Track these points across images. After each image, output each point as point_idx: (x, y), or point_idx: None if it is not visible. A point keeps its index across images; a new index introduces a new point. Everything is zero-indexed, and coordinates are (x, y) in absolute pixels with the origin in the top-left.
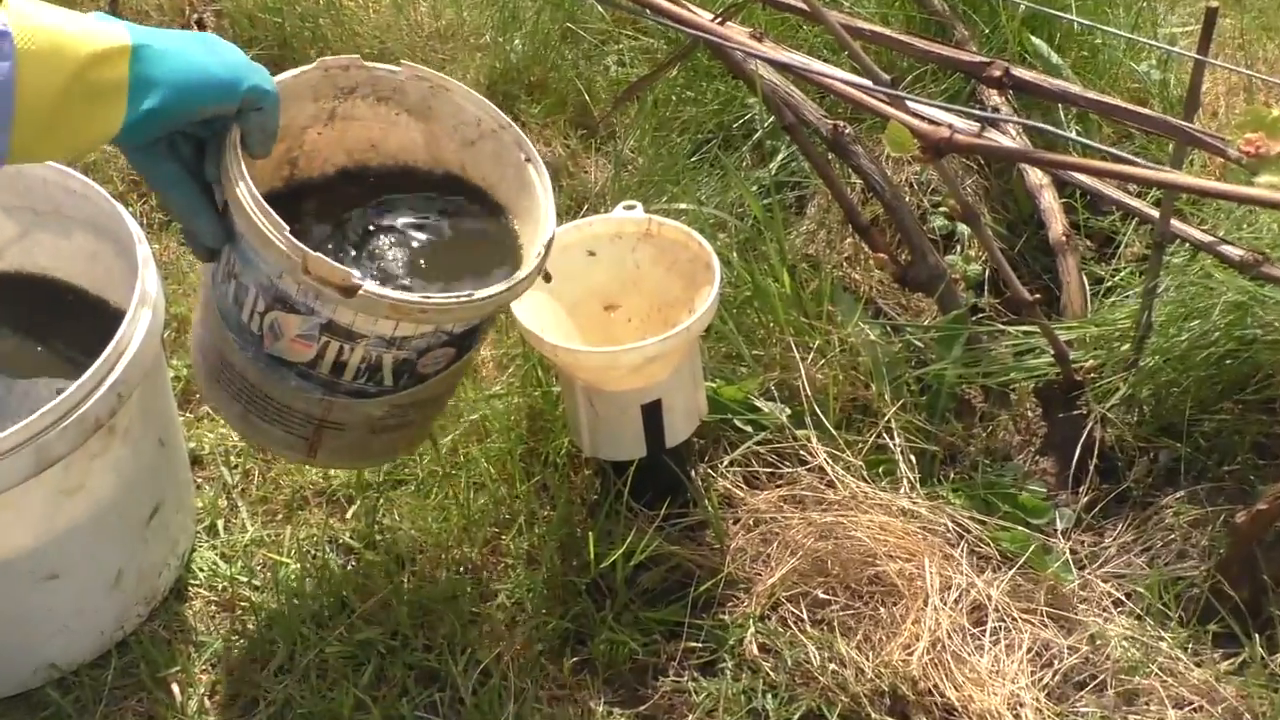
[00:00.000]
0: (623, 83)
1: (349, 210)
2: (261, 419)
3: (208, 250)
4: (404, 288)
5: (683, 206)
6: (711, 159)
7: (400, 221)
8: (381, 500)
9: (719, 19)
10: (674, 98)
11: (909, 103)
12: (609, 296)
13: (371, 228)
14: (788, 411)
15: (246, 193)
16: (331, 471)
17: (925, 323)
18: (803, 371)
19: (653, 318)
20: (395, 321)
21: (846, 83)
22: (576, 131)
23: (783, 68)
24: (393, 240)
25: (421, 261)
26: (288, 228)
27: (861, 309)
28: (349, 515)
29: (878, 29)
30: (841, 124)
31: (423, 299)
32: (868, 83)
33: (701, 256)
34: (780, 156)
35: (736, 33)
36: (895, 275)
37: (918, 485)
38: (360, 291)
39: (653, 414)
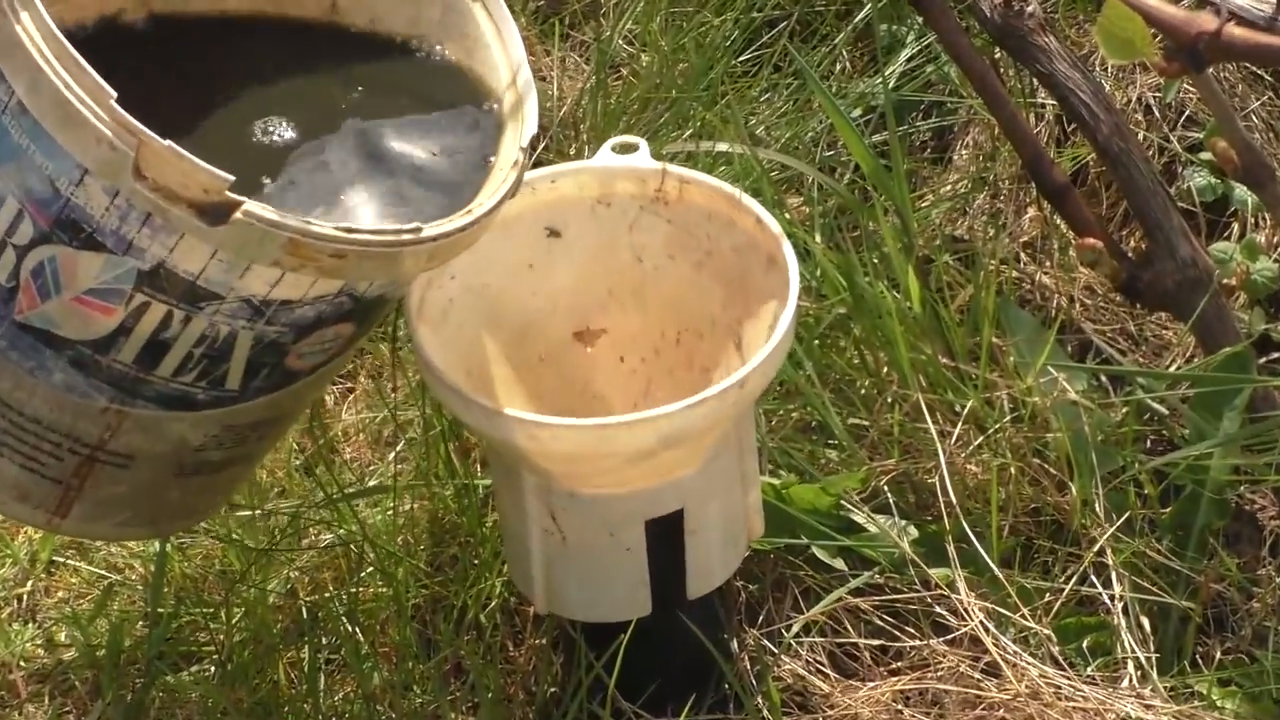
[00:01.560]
0: None
1: (143, 67)
2: None
3: None
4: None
5: (722, 148)
6: (777, 58)
7: (253, 78)
8: (154, 693)
9: None
10: None
11: None
12: (584, 313)
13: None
14: (914, 533)
15: (33, 24)
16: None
17: (1172, 368)
18: (942, 459)
19: (666, 354)
20: (281, 271)
21: None
22: (526, 3)
23: None
24: (242, 120)
25: (304, 156)
26: (113, 93)
27: (1053, 342)
28: None
29: None
30: None
31: (352, 229)
32: None
33: (761, 242)
34: (905, 54)
35: None
36: (1117, 279)
37: (1153, 673)
38: (239, 213)
39: (666, 538)
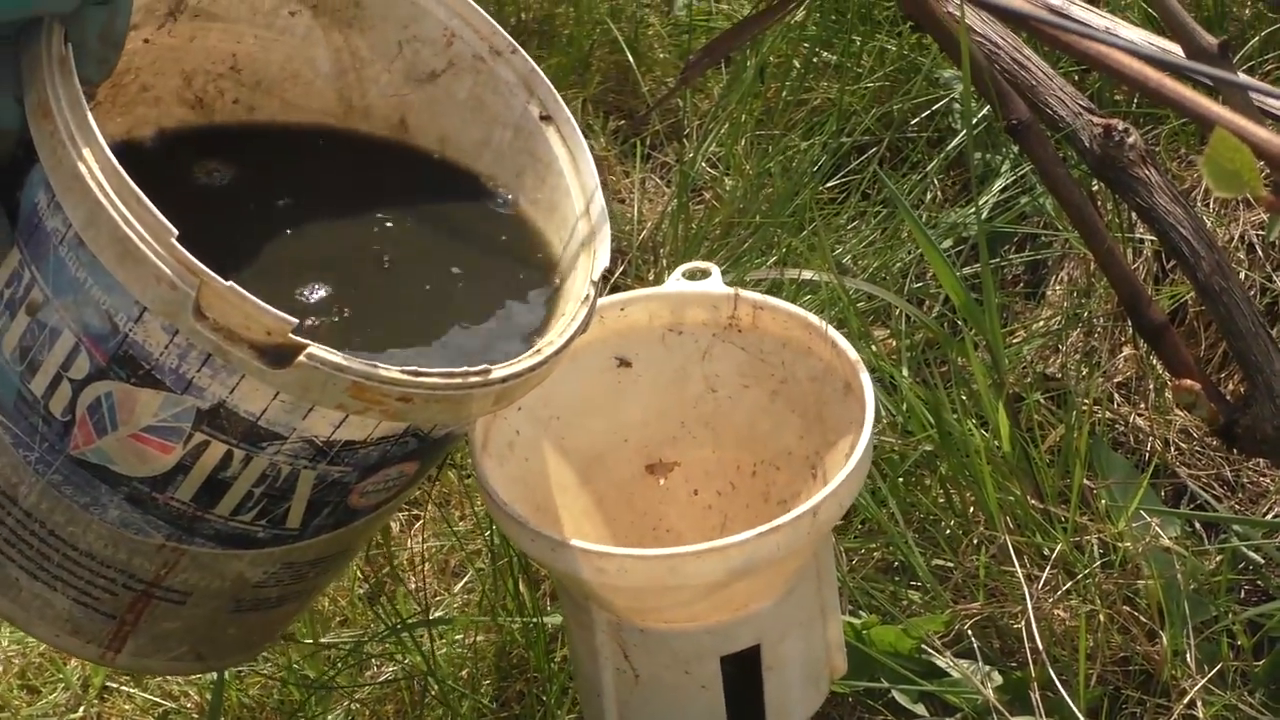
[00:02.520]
0: (700, 33)
1: (205, 182)
2: (33, 575)
3: None
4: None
5: (808, 275)
6: (866, 185)
7: (314, 212)
8: None
9: None
10: (797, 65)
11: (1252, 92)
12: (656, 445)
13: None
14: (998, 679)
15: (94, 158)
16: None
17: (1270, 516)
18: (1029, 604)
19: (742, 487)
20: (345, 414)
21: (1129, 51)
22: (607, 122)
23: (1011, 15)
24: (304, 248)
25: (367, 296)
26: (174, 230)
27: (1147, 487)
28: None
29: None
30: (1119, 125)
31: (418, 373)
32: (1174, 49)
33: (838, 369)
34: (999, 184)
35: None
36: (1214, 423)
37: None
38: (303, 356)
39: (743, 675)
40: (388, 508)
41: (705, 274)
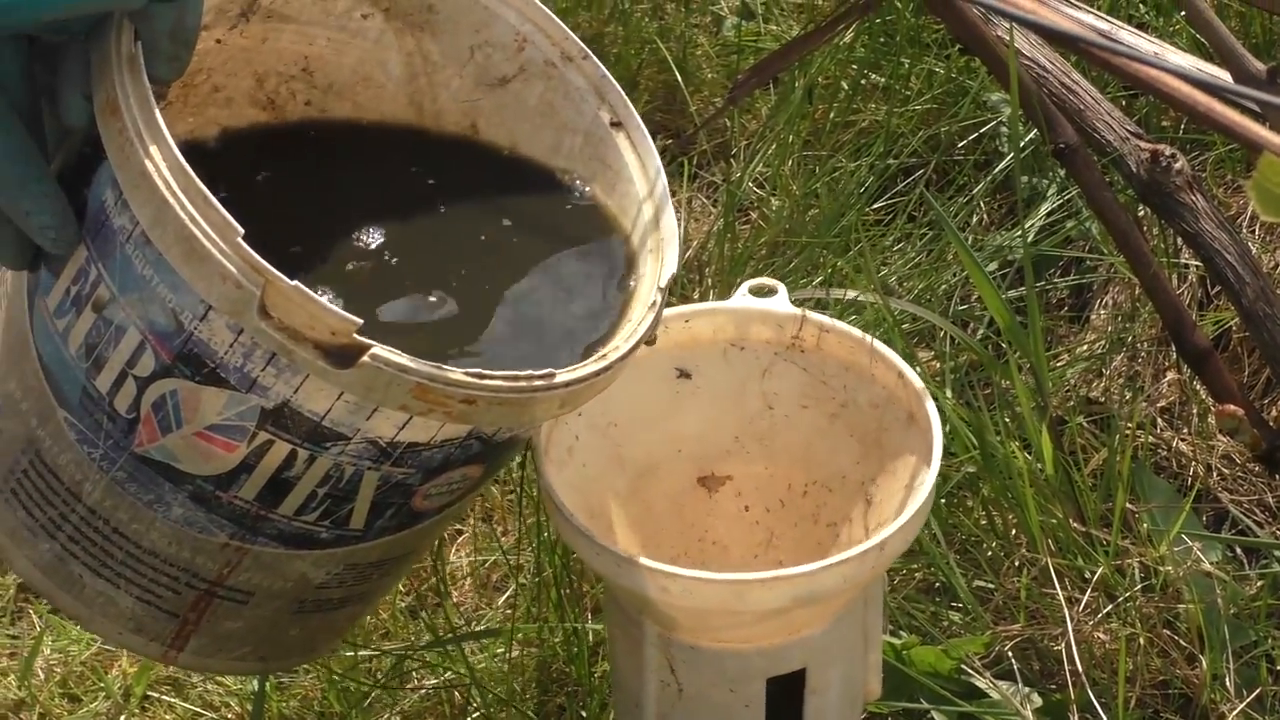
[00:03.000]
0: (748, 53)
1: (274, 181)
2: (96, 572)
3: (30, 251)
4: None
5: (853, 295)
6: (912, 207)
7: (385, 210)
8: None
9: None
10: (845, 87)
11: None
12: (709, 459)
13: (325, 223)
14: (1037, 701)
15: (161, 156)
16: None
17: None
18: (1069, 626)
19: (792, 506)
20: (409, 415)
21: (1178, 74)
22: (658, 141)
23: (1061, 38)
24: (375, 248)
25: (438, 294)
26: (240, 229)
27: (1189, 511)
28: None
29: None
30: (1167, 150)
31: (482, 375)
32: (1223, 75)
33: (902, 398)
34: (1046, 208)
35: None
36: (1257, 448)
37: None
38: (367, 356)
39: (786, 697)
40: (451, 511)
41: (772, 291)
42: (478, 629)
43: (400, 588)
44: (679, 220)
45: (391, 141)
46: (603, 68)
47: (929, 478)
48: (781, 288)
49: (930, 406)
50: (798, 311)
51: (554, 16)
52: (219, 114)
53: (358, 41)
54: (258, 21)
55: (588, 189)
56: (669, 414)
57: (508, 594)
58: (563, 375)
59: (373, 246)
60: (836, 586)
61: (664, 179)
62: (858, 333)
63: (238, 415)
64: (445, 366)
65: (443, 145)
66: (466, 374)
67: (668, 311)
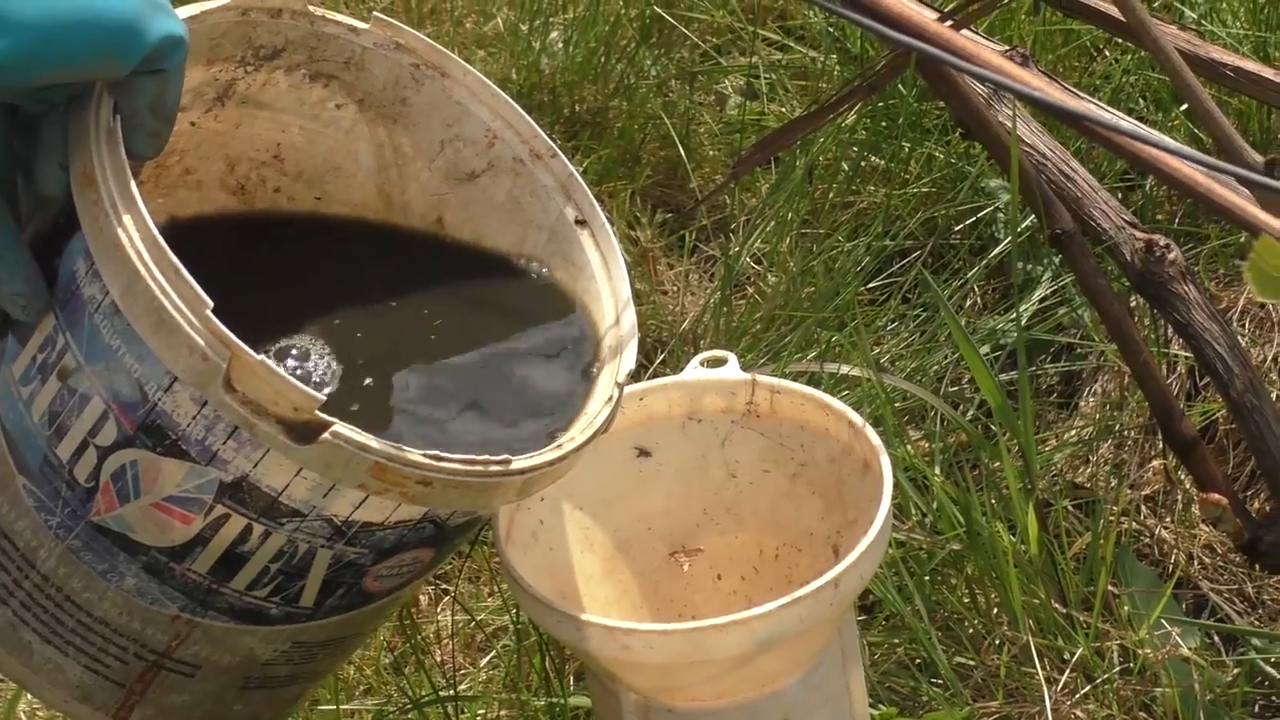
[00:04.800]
0: (750, 130)
1: (240, 267)
2: (46, 639)
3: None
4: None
5: (848, 370)
6: (908, 288)
7: (349, 296)
8: None
9: (948, 19)
10: (845, 167)
11: None
12: (679, 533)
13: (292, 306)
14: None
15: (135, 227)
16: None
17: None
18: (1047, 705)
19: (765, 571)
20: (366, 494)
21: (1179, 155)
22: (655, 214)
23: (1064, 120)
24: (334, 330)
25: (407, 381)
26: (209, 302)
27: (1169, 597)
28: None
29: (1250, 65)
30: (1162, 241)
31: (440, 458)
32: (1224, 166)
33: (856, 449)
34: (1039, 294)
35: (979, 47)
36: (1239, 539)
37: None
38: (328, 434)
39: None
40: (401, 593)
41: (722, 361)
42: (460, 690)
43: (383, 643)
44: (675, 293)
45: (357, 231)
46: (570, 166)
47: (881, 514)
48: (732, 357)
49: (883, 453)
50: (747, 376)
51: (524, 114)
52: (189, 196)
53: (330, 131)
54: (233, 106)
55: (552, 275)
56: (634, 493)
57: (491, 655)
58: (519, 462)
59: (333, 326)
60: (796, 628)
61: (627, 280)
62: (808, 390)
63: (196, 488)
64: (404, 447)
65: (410, 237)
66: (425, 456)
67: (629, 389)
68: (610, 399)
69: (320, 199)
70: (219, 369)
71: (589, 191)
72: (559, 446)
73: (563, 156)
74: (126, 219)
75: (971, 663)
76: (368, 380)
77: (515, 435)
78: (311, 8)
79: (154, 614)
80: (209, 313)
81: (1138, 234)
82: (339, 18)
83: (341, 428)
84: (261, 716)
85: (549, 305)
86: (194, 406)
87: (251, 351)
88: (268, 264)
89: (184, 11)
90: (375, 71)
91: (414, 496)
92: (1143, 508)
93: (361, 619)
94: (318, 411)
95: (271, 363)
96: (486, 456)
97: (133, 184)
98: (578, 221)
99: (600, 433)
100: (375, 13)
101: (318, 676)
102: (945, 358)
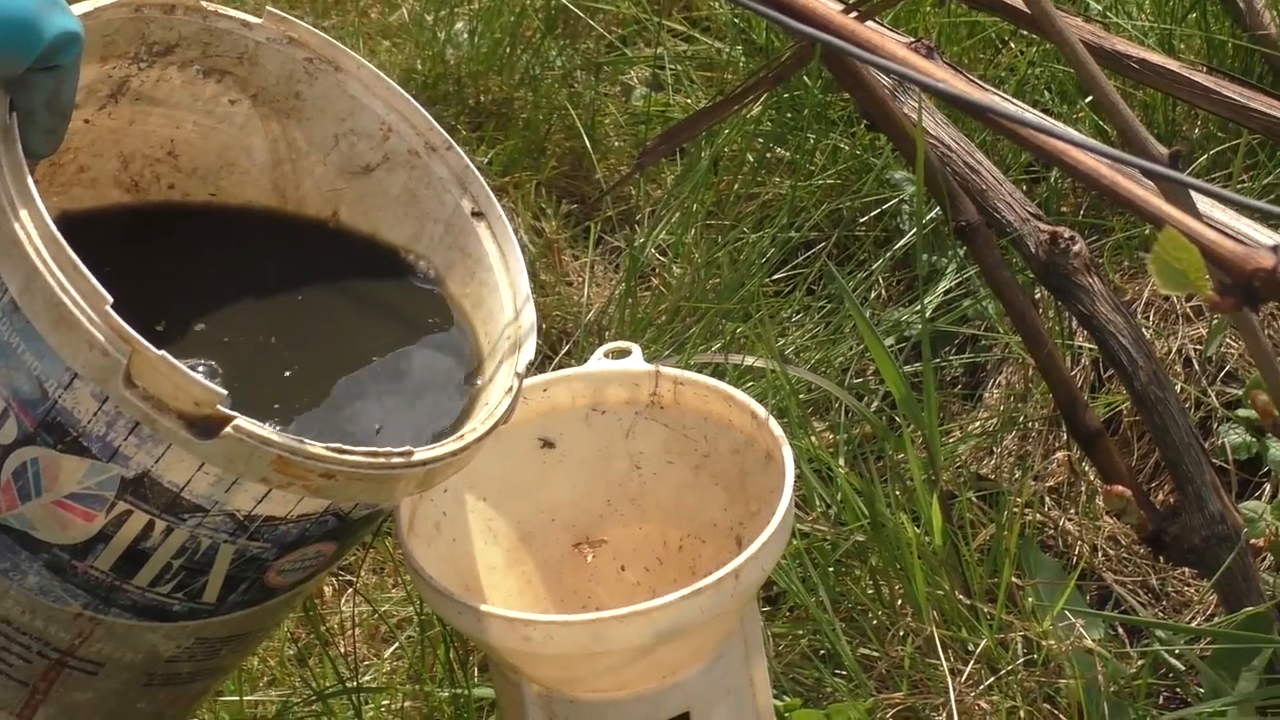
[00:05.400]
0: (656, 121)
1: (137, 260)
2: None
3: None
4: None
5: (753, 362)
6: (813, 279)
7: (242, 290)
8: None
9: (853, 11)
10: (750, 158)
11: (1200, 199)
12: (583, 524)
13: (182, 299)
14: None
15: (33, 224)
16: None
17: (1192, 624)
18: (951, 697)
19: (669, 562)
20: (268, 488)
21: (1085, 148)
22: (560, 205)
23: (970, 111)
24: (230, 327)
25: (289, 373)
26: (109, 298)
27: (1073, 588)
28: None
29: (1154, 57)
30: (1066, 233)
31: (342, 450)
32: (1128, 158)
33: (759, 441)
34: (944, 286)
35: (884, 39)
36: (1143, 530)
37: None
38: (230, 428)
39: None
40: (304, 588)
41: (626, 353)
42: (364, 681)
43: (287, 634)
44: (579, 285)
45: (252, 225)
46: (466, 158)
47: (783, 506)
48: (636, 348)
49: (785, 444)
50: (651, 368)
51: (420, 107)
52: (83, 194)
53: (224, 127)
54: (127, 103)
55: (446, 271)
56: (538, 484)
57: (395, 646)
58: (421, 454)
59: (230, 320)
60: (697, 619)
61: (525, 273)
62: (712, 381)
63: (98, 484)
64: (307, 441)
65: (302, 230)
66: (327, 449)
67: (527, 381)
68: (510, 389)
69: (214, 194)
70: (119, 364)
71: (485, 184)
72: (460, 437)
73: (458, 149)
74: (24, 215)
75: (876, 654)
76: (264, 375)
77: (415, 427)
78: (204, 3)
79: (57, 612)
80: (108, 308)
81: (1042, 226)
82: (232, 13)
83: (244, 422)
84: (165, 714)
85: (444, 303)
86: (94, 403)
87: (151, 346)
88: (162, 258)
89: (78, 9)
90: (269, 66)
91: (317, 489)
92: (1047, 499)
93: (264, 614)
94: (220, 406)
95: (171, 358)
96: (389, 449)
97: (30, 181)
98: (474, 213)
99: (501, 423)
100: (269, 7)
101: (221, 672)
102: (850, 349)
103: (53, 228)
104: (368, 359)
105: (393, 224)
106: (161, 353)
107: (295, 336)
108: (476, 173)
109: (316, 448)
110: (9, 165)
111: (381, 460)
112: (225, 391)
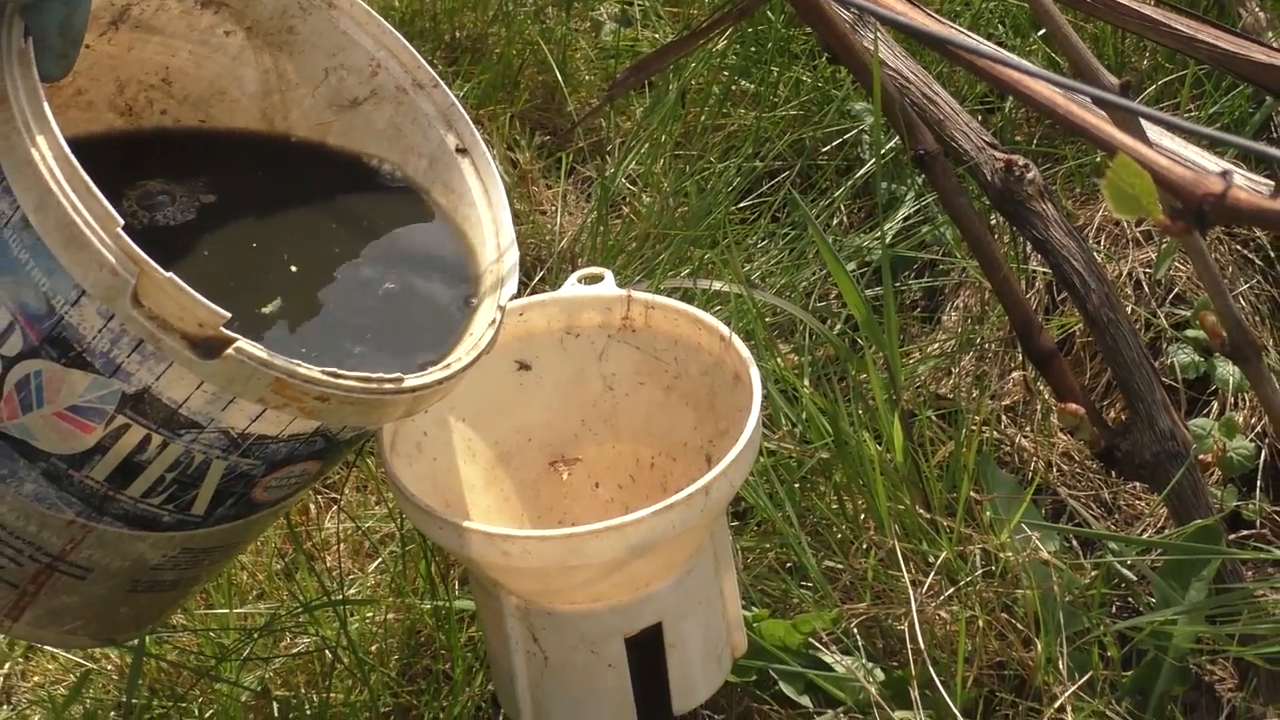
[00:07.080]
0: (625, 55)
1: (129, 184)
2: None
3: None
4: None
5: (720, 287)
6: (778, 207)
7: (238, 212)
8: None
9: None
10: (716, 91)
11: (1149, 127)
12: (558, 443)
13: (174, 218)
14: (880, 676)
15: (48, 146)
16: None
17: (1143, 536)
18: (913, 607)
19: (641, 480)
20: (264, 408)
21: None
22: (534, 137)
23: (927, 43)
24: (227, 244)
25: (281, 295)
26: (120, 220)
27: (1029, 503)
28: None
29: None
30: (1020, 161)
31: (338, 374)
32: (1081, 87)
33: (727, 362)
34: (903, 213)
35: None
36: (1095, 446)
37: None
38: (231, 349)
39: (647, 654)
40: (285, 504)
41: (599, 278)
42: (349, 593)
43: (275, 549)
44: (553, 213)
45: (243, 149)
46: (452, 96)
47: (750, 424)
48: (608, 274)
49: (752, 365)
50: (623, 293)
51: (408, 45)
52: (79, 116)
53: (217, 56)
54: (126, 30)
55: (433, 199)
56: (515, 405)
57: (379, 561)
58: (411, 380)
59: (230, 241)
60: (669, 533)
61: (508, 209)
62: (681, 305)
63: (99, 398)
64: (304, 364)
65: (293, 147)
66: (324, 373)
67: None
68: (494, 321)
69: (205, 121)
70: (128, 284)
71: (470, 122)
72: (447, 366)
73: (445, 87)
74: (40, 138)
75: (840, 566)
76: (264, 296)
77: (403, 354)
78: None
79: (51, 518)
80: (120, 230)
81: (998, 154)
82: None
83: (245, 344)
84: (144, 617)
85: (432, 231)
86: (100, 320)
87: (159, 268)
88: (157, 178)
89: None
90: (265, 1)
91: (310, 411)
92: (1003, 417)
93: (247, 528)
94: (223, 328)
95: (179, 280)
96: (381, 374)
97: (45, 105)
98: (459, 150)
99: (485, 353)
100: None
101: (198, 582)
102: (813, 274)
103: (67, 150)
104: (370, 278)
105: (379, 153)
106: (170, 275)
107: (289, 252)
108: (462, 110)
109: (314, 371)
110: (25, 88)
111: (374, 385)
112: (229, 314)
